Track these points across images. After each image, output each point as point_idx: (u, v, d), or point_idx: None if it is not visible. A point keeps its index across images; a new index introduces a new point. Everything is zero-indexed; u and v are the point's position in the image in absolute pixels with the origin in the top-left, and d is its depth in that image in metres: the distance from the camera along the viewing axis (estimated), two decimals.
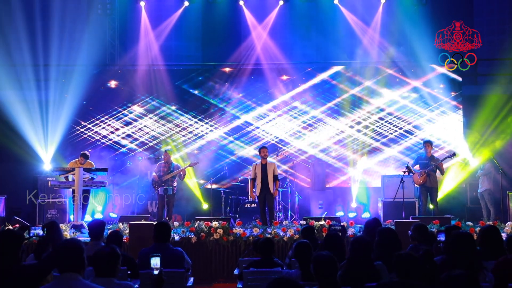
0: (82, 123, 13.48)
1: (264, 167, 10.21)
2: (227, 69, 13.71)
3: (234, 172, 12.99)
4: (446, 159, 10.71)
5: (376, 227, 5.96)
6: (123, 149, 13.55)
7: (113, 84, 13.65)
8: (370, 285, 4.17)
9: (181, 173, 10.89)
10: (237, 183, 12.37)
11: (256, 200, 10.57)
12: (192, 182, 12.93)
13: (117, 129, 13.60)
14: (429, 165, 10.45)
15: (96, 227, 6.03)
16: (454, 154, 10.76)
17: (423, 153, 10.77)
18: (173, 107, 13.67)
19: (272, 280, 3.01)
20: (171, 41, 14.36)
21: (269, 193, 10.18)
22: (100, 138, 13.53)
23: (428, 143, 10.71)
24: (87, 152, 10.79)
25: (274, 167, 10.33)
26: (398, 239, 5.11)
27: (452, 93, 13.02)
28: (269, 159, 10.48)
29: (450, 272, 3.23)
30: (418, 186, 10.73)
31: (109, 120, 13.59)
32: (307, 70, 13.62)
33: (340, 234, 5.56)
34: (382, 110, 13.37)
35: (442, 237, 5.32)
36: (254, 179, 10.28)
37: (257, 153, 11.54)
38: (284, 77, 13.65)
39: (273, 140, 13.50)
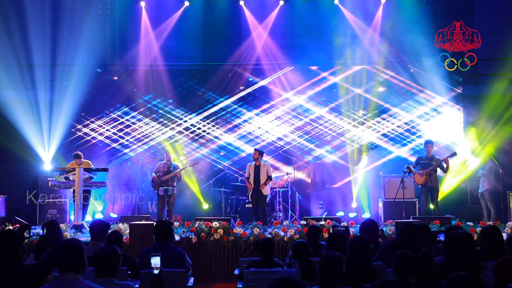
0: (82, 123, 13.47)
1: (257, 168, 10.53)
2: (227, 69, 13.69)
3: (234, 172, 12.98)
4: (449, 158, 10.71)
5: (374, 229, 5.97)
6: (121, 147, 13.55)
7: (113, 84, 13.63)
8: (369, 285, 4.17)
9: (178, 174, 10.91)
10: (238, 183, 12.36)
11: (251, 199, 10.77)
12: (193, 182, 12.94)
13: (117, 129, 13.59)
14: (430, 165, 10.46)
15: (98, 227, 6.00)
16: (455, 154, 10.75)
17: (424, 153, 10.78)
18: (173, 107, 13.66)
19: (274, 280, 3.01)
20: (171, 41, 14.35)
21: (262, 194, 10.40)
22: (100, 138, 13.53)
23: (429, 144, 10.71)
24: (79, 152, 10.76)
25: (268, 168, 10.66)
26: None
27: (452, 93, 13.01)
28: (263, 160, 10.65)
29: (458, 272, 3.23)
30: (419, 186, 10.73)
31: (109, 120, 13.58)
32: (308, 70, 13.60)
33: (344, 234, 5.55)
34: (382, 110, 13.36)
35: (441, 237, 5.31)
36: (248, 178, 10.70)
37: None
38: (284, 77, 13.64)
39: (274, 141, 13.49)
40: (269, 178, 10.61)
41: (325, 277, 3.91)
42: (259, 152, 10.74)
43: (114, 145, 13.58)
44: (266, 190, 10.59)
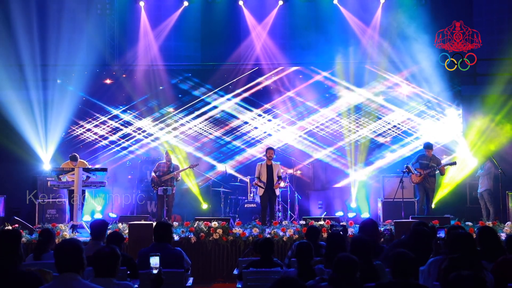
0: (81, 123, 13.46)
1: (269, 168, 10.41)
2: (226, 69, 13.68)
3: (234, 172, 12.98)
4: (446, 166, 10.78)
5: (373, 228, 5.96)
6: (120, 147, 13.54)
7: (112, 84, 13.62)
8: (369, 285, 4.17)
9: (175, 175, 10.88)
10: (237, 183, 12.36)
11: (256, 199, 10.68)
12: (192, 182, 12.94)
13: (116, 129, 13.58)
14: (429, 166, 10.52)
15: (98, 227, 6.02)
16: (454, 163, 10.82)
17: (424, 152, 10.80)
18: (172, 107, 13.65)
19: (276, 280, 3.00)
20: (170, 41, 14.33)
21: (274, 193, 10.33)
22: (99, 138, 13.51)
23: (427, 149, 10.73)
24: (75, 154, 10.72)
25: (279, 168, 10.52)
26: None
27: (452, 93, 13.01)
28: (273, 160, 10.58)
29: (460, 272, 3.23)
30: (415, 184, 10.76)
31: (108, 120, 13.56)
32: (307, 70, 13.60)
33: (342, 234, 5.55)
34: (382, 110, 13.36)
35: (442, 234, 5.30)
36: (258, 178, 10.47)
37: (256, 153, 11.56)
38: (284, 77, 13.63)
39: (273, 141, 13.48)
40: (279, 178, 10.51)
41: (336, 277, 3.90)
42: (274, 151, 10.64)
43: (113, 144, 13.55)
44: (277, 190, 10.54)
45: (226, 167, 12.64)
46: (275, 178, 10.41)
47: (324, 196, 12.27)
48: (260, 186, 10.42)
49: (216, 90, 13.61)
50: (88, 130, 13.51)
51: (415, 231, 5.47)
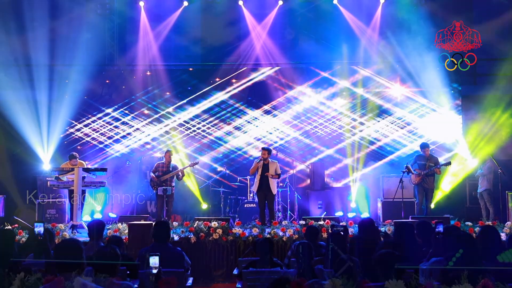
0: (81, 123, 13.46)
1: (265, 166, 10.33)
2: (226, 69, 13.68)
3: (233, 172, 12.97)
4: (442, 167, 10.81)
5: (371, 228, 5.98)
6: (120, 146, 13.54)
7: (112, 84, 13.62)
8: (370, 285, 4.16)
9: (179, 173, 10.88)
10: (237, 183, 12.36)
11: (256, 199, 10.65)
12: (192, 182, 12.94)
13: (115, 129, 13.57)
14: (426, 166, 10.58)
15: (96, 227, 6.03)
16: (449, 163, 10.89)
17: (421, 153, 10.85)
18: (172, 107, 13.66)
19: (273, 280, 3.01)
20: (170, 41, 14.29)
21: (270, 193, 10.28)
22: (98, 138, 13.51)
23: (424, 149, 10.78)
24: (74, 153, 10.72)
25: (276, 167, 10.44)
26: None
27: (451, 93, 13.01)
28: (271, 159, 10.51)
29: (458, 272, 3.24)
30: (415, 184, 10.78)
31: (109, 120, 13.56)
32: (307, 70, 13.59)
33: (342, 234, 5.55)
34: (382, 110, 13.36)
35: (440, 228, 5.29)
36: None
37: (258, 153, 11.47)
38: (283, 77, 13.63)
39: (273, 140, 13.49)
40: (277, 175, 10.41)
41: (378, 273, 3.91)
42: (268, 152, 10.48)
43: (113, 144, 13.55)
44: (275, 189, 10.41)
45: (225, 167, 12.64)
46: (270, 177, 10.31)
47: (324, 196, 12.26)
48: (256, 163, 10.34)
49: (215, 90, 13.61)
50: (88, 130, 13.50)
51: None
